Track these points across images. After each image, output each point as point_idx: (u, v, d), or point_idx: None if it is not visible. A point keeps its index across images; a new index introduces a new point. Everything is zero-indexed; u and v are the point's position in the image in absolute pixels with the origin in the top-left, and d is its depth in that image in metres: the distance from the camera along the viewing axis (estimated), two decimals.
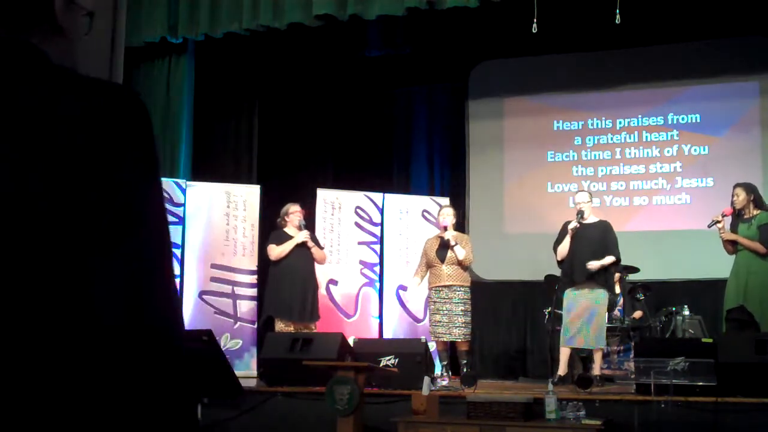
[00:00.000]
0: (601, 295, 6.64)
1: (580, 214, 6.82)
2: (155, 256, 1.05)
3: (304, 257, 7.19)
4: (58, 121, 1.02)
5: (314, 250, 7.23)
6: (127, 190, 1.03)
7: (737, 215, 6.47)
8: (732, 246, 6.41)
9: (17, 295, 0.98)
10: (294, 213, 7.28)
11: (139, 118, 1.07)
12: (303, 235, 7.15)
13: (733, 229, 6.44)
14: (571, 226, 6.78)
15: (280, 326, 7.07)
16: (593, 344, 6.66)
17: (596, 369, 6.66)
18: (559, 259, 6.90)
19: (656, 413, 5.12)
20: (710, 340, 5.71)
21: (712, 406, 5.06)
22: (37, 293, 0.99)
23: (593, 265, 6.61)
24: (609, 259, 6.68)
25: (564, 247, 6.80)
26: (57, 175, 1.00)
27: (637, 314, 7.76)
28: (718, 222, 6.44)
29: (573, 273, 6.74)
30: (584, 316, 6.64)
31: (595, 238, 6.74)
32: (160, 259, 1.06)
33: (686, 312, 7.51)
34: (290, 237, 7.19)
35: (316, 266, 7.36)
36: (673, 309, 7.55)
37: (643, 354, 5.63)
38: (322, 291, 7.67)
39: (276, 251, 7.15)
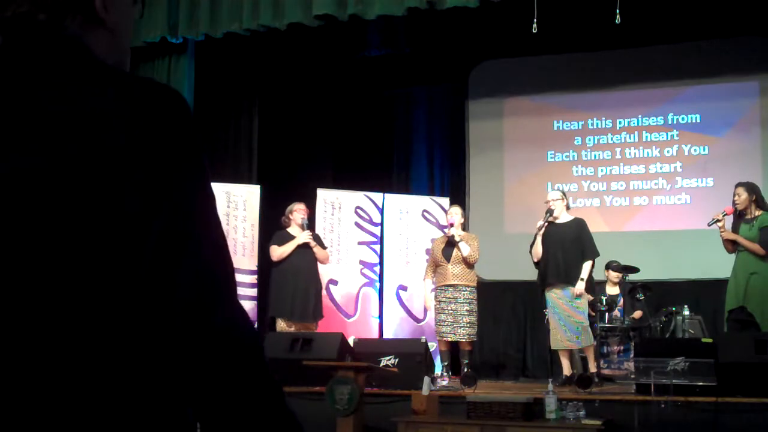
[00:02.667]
0: (574, 295, 6.62)
1: (549, 212, 6.76)
2: (214, 257, 1.01)
3: (306, 257, 7.18)
4: (100, 121, 0.97)
5: (317, 249, 7.22)
6: (179, 191, 1.00)
7: (739, 215, 6.44)
8: (732, 245, 6.39)
9: (67, 298, 0.95)
10: (297, 211, 7.27)
11: (184, 117, 1.03)
12: (305, 236, 7.14)
13: (735, 229, 6.41)
14: (538, 225, 6.75)
15: (282, 326, 7.07)
16: (580, 343, 6.64)
17: (591, 366, 6.65)
18: (535, 260, 6.87)
19: (656, 413, 5.12)
20: (710, 340, 5.71)
21: (712, 406, 5.05)
22: (85, 298, 0.96)
23: (579, 290, 6.58)
24: (587, 269, 6.64)
25: (537, 248, 6.77)
26: (100, 176, 0.95)
27: (637, 314, 7.76)
28: (719, 220, 6.42)
29: (547, 275, 6.71)
30: (565, 316, 6.63)
31: (569, 237, 6.68)
32: (221, 259, 1.02)
33: (686, 312, 7.50)
34: (292, 237, 7.18)
35: (319, 266, 7.36)
36: (673, 309, 7.54)
37: (643, 354, 5.62)
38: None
39: (278, 252, 7.14)
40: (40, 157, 0.94)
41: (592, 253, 6.70)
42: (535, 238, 6.82)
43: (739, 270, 6.31)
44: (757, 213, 6.33)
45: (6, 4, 1.04)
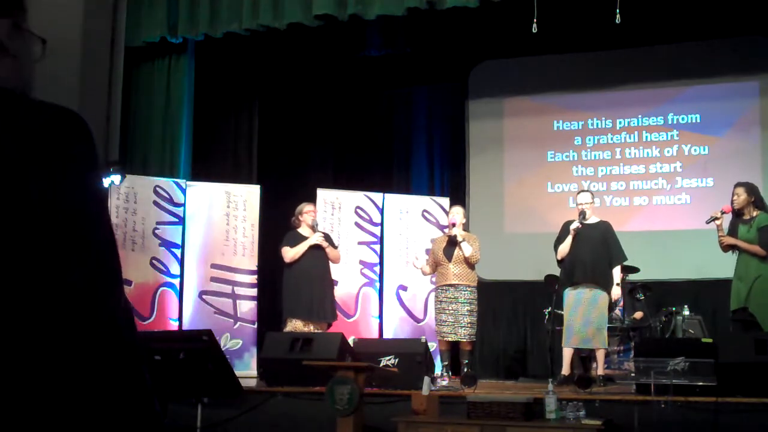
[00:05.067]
0: (600, 295, 6.64)
1: (582, 214, 6.80)
2: (100, 261, 1.12)
3: (319, 258, 7.17)
4: None
5: (329, 249, 7.22)
6: (69, 196, 1.09)
7: (736, 215, 6.44)
8: (728, 247, 6.39)
9: None
10: (308, 213, 7.28)
11: (77, 132, 1.14)
12: (316, 237, 7.14)
13: (733, 229, 6.41)
14: (573, 227, 6.77)
15: (297, 326, 7.01)
16: (593, 344, 6.66)
17: (600, 369, 6.65)
18: (559, 258, 6.90)
19: (656, 413, 5.12)
20: (710, 340, 5.71)
21: (712, 406, 5.05)
22: None
23: (615, 295, 6.75)
24: (617, 273, 6.75)
25: (565, 247, 6.80)
26: None
27: (638, 315, 7.75)
28: (717, 218, 6.42)
29: (573, 273, 6.74)
30: (584, 316, 6.64)
31: (596, 238, 6.74)
32: (105, 263, 1.13)
33: (686, 312, 7.50)
34: (304, 238, 7.17)
35: (330, 265, 7.35)
36: (673, 309, 7.54)
37: (643, 354, 5.62)
38: None
39: (290, 253, 7.12)
40: None
41: (621, 258, 6.77)
42: (562, 236, 6.84)
43: (741, 272, 6.29)
44: (755, 213, 6.32)
45: None
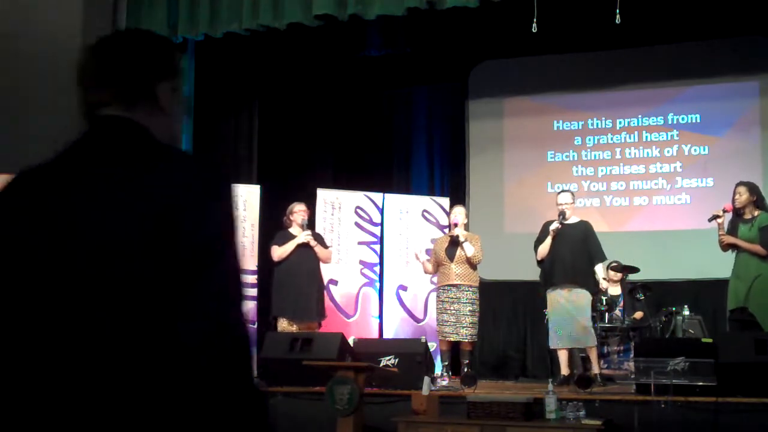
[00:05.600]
0: (579, 295, 6.63)
1: (562, 215, 6.79)
2: (228, 285, 1.34)
3: (307, 257, 7.18)
4: (154, 185, 1.33)
5: (318, 249, 7.22)
6: (213, 226, 1.34)
7: (737, 214, 6.44)
8: (728, 246, 6.40)
9: (123, 317, 1.29)
10: (298, 212, 7.28)
11: (222, 175, 1.39)
12: (304, 236, 7.15)
13: (733, 228, 6.41)
14: (552, 227, 6.77)
15: (283, 325, 7.05)
16: (583, 343, 6.65)
17: (594, 368, 6.66)
18: (539, 258, 6.90)
19: (656, 413, 5.12)
20: (710, 340, 5.71)
21: (712, 406, 5.05)
22: (137, 319, 1.30)
23: (604, 286, 6.81)
24: (600, 271, 6.76)
25: (545, 248, 6.80)
26: (152, 225, 1.30)
27: (638, 315, 7.75)
28: (718, 217, 6.42)
29: (553, 274, 6.73)
30: (566, 316, 6.64)
31: (576, 238, 6.73)
32: (234, 287, 1.35)
33: (686, 312, 7.50)
34: (294, 237, 7.18)
35: (321, 265, 7.35)
36: (673, 309, 7.54)
37: (643, 354, 5.62)
38: None
39: (278, 252, 7.15)
40: (122, 215, 1.33)
41: (601, 257, 6.77)
42: (542, 237, 6.84)
43: (740, 271, 6.30)
44: (756, 213, 6.33)
45: (92, 92, 1.44)
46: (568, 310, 6.64)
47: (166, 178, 1.34)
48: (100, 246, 1.31)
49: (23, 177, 1.43)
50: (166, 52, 1.51)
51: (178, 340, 1.29)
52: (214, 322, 1.31)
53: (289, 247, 7.13)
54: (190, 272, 1.30)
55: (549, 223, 6.86)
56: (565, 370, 6.69)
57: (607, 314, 7.37)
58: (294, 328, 6.98)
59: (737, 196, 6.40)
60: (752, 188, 6.43)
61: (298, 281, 7.08)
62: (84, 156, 1.40)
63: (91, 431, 1.27)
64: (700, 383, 5.26)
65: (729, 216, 6.49)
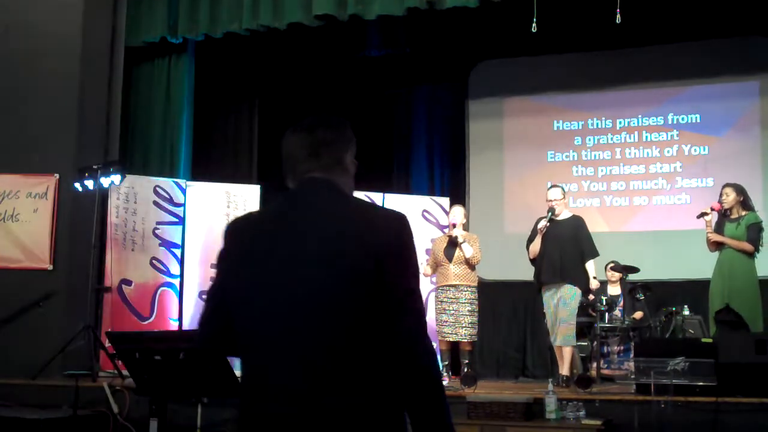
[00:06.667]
0: (568, 292, 6.58)
1: (551, 211, 6.70)
2: (419, 310, 1.86)
3: None
4: (371, 230, 1.85)
5: None
6: (405, 274, 1.85)
7: (724, 214, 6.49)
8: (715, 245, 6.44)
9: (359, 331, 1.80)
10: None
11: (404, 230, 1.88)
12: None
13: (719, 228, 6.46)
14: (540, 225, 6.70)
15: None
16: (561, 341, 6.61)
17: (564, 368, 6.56)
18: (531, 257, 6.82)
19: (656, 413, 5.12)
20: (710, 340, 5.71)
21: (712, 406, 5.05)
22: (366, 332, 1.81)
23: (595, 285, 6.69)
24: (592, 268, 6.65)
25: (535, 246, 6.73)
26: (372, 264, 1.80)
27: (638, 315, 7.75)
28: (707, 214, 6.46)
29: (541, 272, 6.69)
30: (555, 314, 6.61)
31: (566, 235, 6.63)
32: (422, 313, 1.88)
33: (686, 312, 7.50)
34: None
35: None
36: (673, 309, 7.54)
37: (643, 354, 5.62)
38: None
39: None
40: (342, 258, 1.82)
41: (592, 253, 6.66)
42: (534, 236, 6.78)
43: (724, 270, 6.36)
44: (743, 213, 6.43)
45: (305, 167, 2.00)
46: (556, 309, 6.60)
47: (380, 228, 1.85)
48: (337, 260, 1.82)
49: (250, 217, 2.05)
50: (351, 132, 2.10)
51: (391, 334, 1.80)
52: (417, 323, 1.86)
53: None
54: (397, 295, 1.82)
55: (540, 219, 6.79)
56: (563, 370, 6.66)
57: (607, 314, 7.37)
58: None
59: (724, 197, 6.46)
60: (740, 190, 6.50)
61: None
62: (304, 200, 1.94)
63: (338, 399, 1.75)
64: (700, 383, 5.25)
65: (716, 215, 6.53)
